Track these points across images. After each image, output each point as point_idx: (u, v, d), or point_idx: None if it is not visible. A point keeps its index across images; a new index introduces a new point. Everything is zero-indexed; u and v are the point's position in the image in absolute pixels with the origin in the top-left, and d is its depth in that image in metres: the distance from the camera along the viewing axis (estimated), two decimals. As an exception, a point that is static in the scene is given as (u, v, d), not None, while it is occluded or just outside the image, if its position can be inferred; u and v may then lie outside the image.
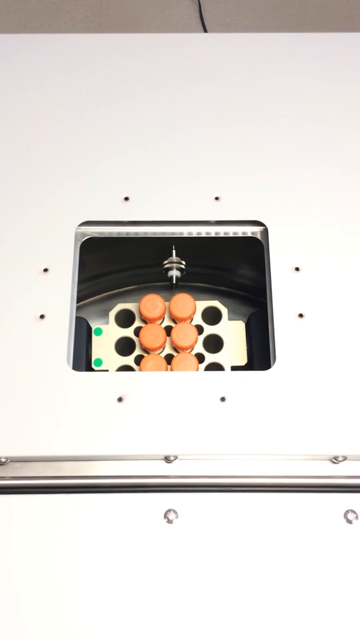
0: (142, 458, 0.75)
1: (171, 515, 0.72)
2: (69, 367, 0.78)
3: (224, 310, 0.95)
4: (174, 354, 0.91)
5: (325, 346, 0.79)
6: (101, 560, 0.71)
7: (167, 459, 0.74)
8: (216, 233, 0.88)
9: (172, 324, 0.93)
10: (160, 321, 0.93)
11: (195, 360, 0.88)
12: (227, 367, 0.91)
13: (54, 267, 0.82)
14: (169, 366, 0.88)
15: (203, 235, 0.88)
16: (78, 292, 0.84)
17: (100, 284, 1.05)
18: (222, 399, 0.76)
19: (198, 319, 0.94)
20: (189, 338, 0.89)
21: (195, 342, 0.90)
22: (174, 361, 0.87)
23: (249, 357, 0.91)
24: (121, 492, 0.74)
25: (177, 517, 0.72)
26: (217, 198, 0.87)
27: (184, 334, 0.90)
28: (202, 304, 0.95)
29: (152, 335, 0.89)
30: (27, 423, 0.75)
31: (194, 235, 0.88)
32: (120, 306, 0.95)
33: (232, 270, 1.05)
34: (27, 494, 0.74)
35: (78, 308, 1.01)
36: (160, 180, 0.88)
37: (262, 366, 0.82)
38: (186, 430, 0.74)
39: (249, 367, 0.90)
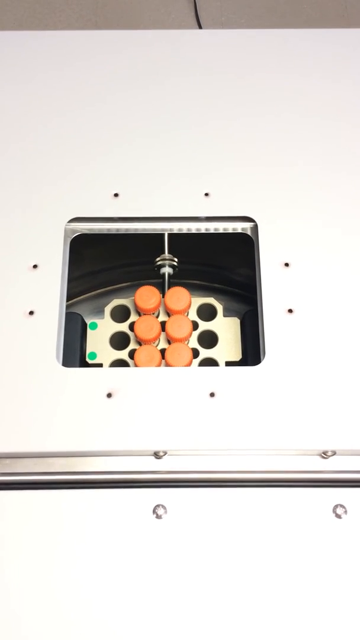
0: (132, 454, 0.75)
1: (160, 511, 0.72)
2: (59, 364, 0.78)
3: (219, 307, 0.95)
4: (169, 347, 0.91)
5: (314, 341, 0.79)
6: (90, 555, 0.71)
7: (156, 455, 0.74)
8: (206, 229, 0.88)
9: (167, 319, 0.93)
10: (156, 314, 0.93)
11: (189, 351, 0.87)
12: (222, 363, 0.91)
13: (43, 263, 0.83)
14: (162, 360, 0.88)
15: (193, 231, 0.88)
16: (73, 287, 0.84)
17: (95, 280, 1.05)
18: (212, 395, 0.76)
19: (193, 315, 0.94)
20: (184, 329, 0.89)
21: (190, 334, 0.90)
22: (167, 351, 0.87)
23: (243, 355, 0.91)
24: (111, 487, 0.74)
25: (166, 512, 0.72)
26: (206, 194, 0.87)
27: (179, 325, 0.89)
28: (197, 301, 0.95)
29: (146, 327, 0.89)
30: (16, 419, 0.75)
31: (184, 231, 0.88)
32: (116, 302, 0.95)
33: (228, 268, 1.05)
34: (17, 490, 0.74)
35: (74, 304, 1.01)
36: (150, 177, 0.88)
37: (256, 363, 0.82)
38: (176, 426, 0.74)
39: (243, 364, 0.90)
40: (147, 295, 0.91)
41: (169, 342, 0.91)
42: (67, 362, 0.81)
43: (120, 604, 0.69)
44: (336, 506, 0.72)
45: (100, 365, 0.90)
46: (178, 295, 0.91)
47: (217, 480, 0.74)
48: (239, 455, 0.75)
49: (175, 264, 0.96)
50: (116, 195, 0.87)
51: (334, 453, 0.74)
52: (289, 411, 0.75)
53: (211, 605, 0.69)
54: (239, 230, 0.88)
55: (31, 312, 0.80)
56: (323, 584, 0.70)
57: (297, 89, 0.96)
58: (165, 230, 0.89)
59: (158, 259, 0.96)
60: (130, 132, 0.92)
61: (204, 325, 0.94)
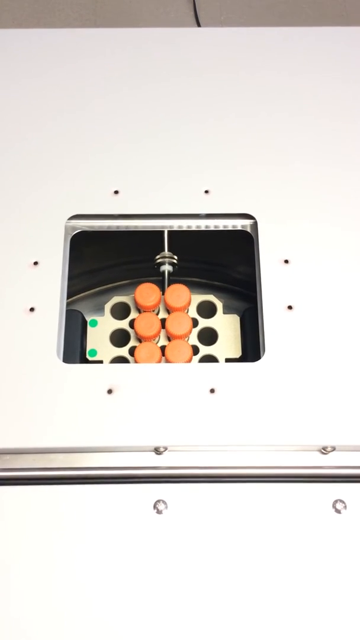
0: (132, 449, 0.75)
1: (160, 506, 0.72)
2: (59, 360, 0.78)
3: (218, 304, 0.95)
4: (169, 344, 0.91)
5: (314, 338, 0.79)
6: (91, 551, 0.71)
7: (157, 451, 0.75)
8: (206, 226, 0.88)
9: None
10: (156, 311, 0.93)
11: (189, 348, 0.87)
12: (222, 360, 0.91)
13: (44, 260, 0.83)
14: (163, 357, 0.88)
15: (193, 228, 0.88)
16: (74, 285, 0.84)
17: (95, 278, 1.05)
18: (212, 391, 0.76)
19: (193, 313, 0.95)
20: (184, 326, 0.89)
21: (190, 331, 0.90)
22: (167, 348, 0.87)
23: (243, 353, 0.91)
24: (111, 483, 0.74)
25: (166, 507, 0.72)
26: (206, 191, 0.87)
27: (179, 323, 0.90)
28: (197, 298, 0.95)
29: (146, 324, 0.89)
30: (17, 415, 0.75)
31: (184, 228, 0.88)
32: (116, 299, 0.96)
33: (227, 265, 1.05)
34: (17, 485, 0.74)
35: (74, 302, 1.02)
36: (150, 174, 0.89)
37: (256, 360, 0.82)
38: (176, 422, 0.75)
39: (242, 361, 0.90)
40: (147, 292, 0.91)
41: (169, 339, 0.91)
42: (68, 359, 0.81)
43: (121, 600, 0.69)
44: (336, 501, 0.73)
45: (100, 362, 0.90)
46: (178, 293, 0.91)
47: (217, 475, 0.74)
48: (239, 451, 0.75)
49: (175, 261, 0.96)
50: (116, 192, 0.87)
51: (334, 449, 0.75)
52: (289, 407, 0.75)
53: (212, 601, 0.69)
54: (239, 228, 0.88)
55: (32, 309, 0.80)
56: (323, 579, 0.70)
57: (296, 87, 0.96)
58: (165, 227, 0.89)
59: (158, 256, 0.96)
60: (130, 130, 0.92)
61: (203, 323, 0.94)
